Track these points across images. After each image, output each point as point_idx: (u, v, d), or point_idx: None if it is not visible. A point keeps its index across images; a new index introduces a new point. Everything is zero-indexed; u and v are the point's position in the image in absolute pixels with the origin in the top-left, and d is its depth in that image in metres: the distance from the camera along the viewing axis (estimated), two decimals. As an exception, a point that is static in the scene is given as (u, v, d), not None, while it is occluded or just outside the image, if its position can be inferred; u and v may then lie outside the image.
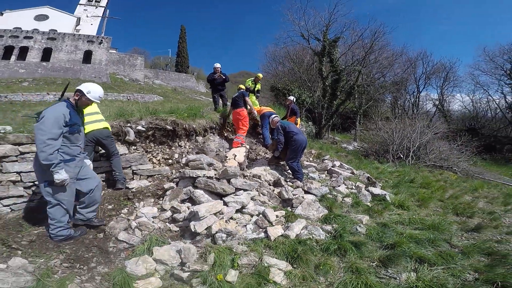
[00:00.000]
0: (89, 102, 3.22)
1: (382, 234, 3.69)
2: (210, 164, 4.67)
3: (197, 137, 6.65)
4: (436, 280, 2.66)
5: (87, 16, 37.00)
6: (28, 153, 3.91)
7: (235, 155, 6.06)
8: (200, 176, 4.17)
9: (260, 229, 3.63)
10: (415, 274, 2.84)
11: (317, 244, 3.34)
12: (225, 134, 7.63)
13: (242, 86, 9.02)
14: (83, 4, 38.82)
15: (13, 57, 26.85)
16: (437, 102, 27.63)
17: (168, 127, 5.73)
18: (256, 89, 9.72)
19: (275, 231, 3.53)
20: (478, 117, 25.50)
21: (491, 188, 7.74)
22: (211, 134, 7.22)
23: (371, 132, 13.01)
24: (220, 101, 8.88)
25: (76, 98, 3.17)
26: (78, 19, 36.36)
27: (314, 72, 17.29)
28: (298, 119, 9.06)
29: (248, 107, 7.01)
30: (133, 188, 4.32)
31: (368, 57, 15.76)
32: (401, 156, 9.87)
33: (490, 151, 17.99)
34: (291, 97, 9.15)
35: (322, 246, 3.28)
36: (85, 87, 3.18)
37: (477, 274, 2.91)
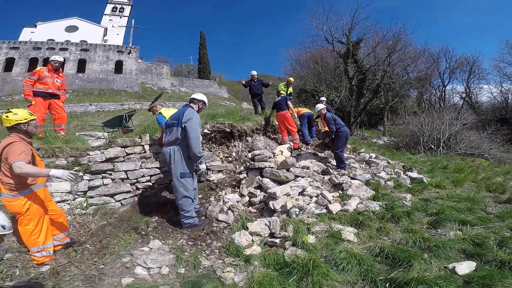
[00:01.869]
0: (203, 110, 4.23)
1: (426, 206, 4.44)
2: (270, 158, 5.57)
3: (247, 138, 7.58)
4: (479, 236, 3.36)
5: (113, 26, 38.99)
6: (131, 154, 4.94)
7: (282, 151, 6.97)
8: (266, 167, 5.09)
9: (322, 206, 4.47)
10: (460, 232, 3.58)
11: (373, 214, 4.13)
12: (267, 134, 8.55)
13: (283, 92, 9.89)
14: (108, 15, 40.75)
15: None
16: (463, 95, 27.48)
17: (227, 129, 6.70)
18: (288, 92, 10.57)
19: (335, 207, 4.36)
20: (508, 107, 24.98)
21: None
22: (257, 134, 8.14)
23: (400, 127, 13.48)
24: (259, 106, 9.78)
25: (200, 106, 4.15)
26: (105, 30, 38.26)
27: (339, 73, 18.06)
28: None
29: (290, 110, 7.85)
30: (213, 180, 5.29)
31: (391, 56, 16.30)
32: (432, 146, 10.37)
33: None
34: (323, 98, 9.93)
35: (378, 215, 4.07)
36: (204, 98, 4.22)
37: None
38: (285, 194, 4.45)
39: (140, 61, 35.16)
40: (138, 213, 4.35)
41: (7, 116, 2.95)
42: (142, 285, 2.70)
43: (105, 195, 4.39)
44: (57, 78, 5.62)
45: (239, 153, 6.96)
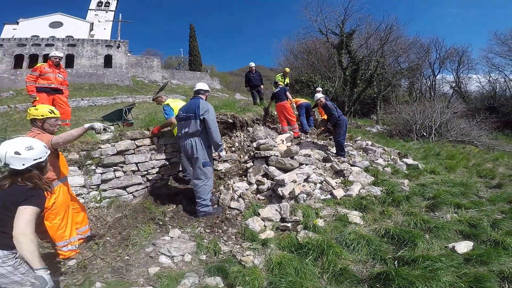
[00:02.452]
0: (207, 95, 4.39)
1: (423, 190, 4.74)
2: (274, 146, 5.75)
3: (248, 128, 7.73)
4: (474, 218, 3.67)
5: (99, 21, 38.11)
6: (141, 146, 5.02)
7: (283, 140, 7.18)
8: (272, 156, 5.28)
9: (326, 192, 4.69)
10: (456, 214, 3.88)
11: (375, 198, 4.39)
12: (266, 124, 8.71)
13: (281, 83, 10.02)
14: (93, 9, 39.77)
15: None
16: (453, 84, 28.24)
17: (230, 120, 6.83)
18: (285, 82, 10.71)
19: (339, 192, 4.60)
20: (496, 96, 25.90)
21: (511, 158, 8.59)
22: (257, 125, 8.29)
23: (392, 115, 13.90)
24: (258, 97, 9.91)
25: (207, 95, 4.32)
26: (91, 25, 37.42)
27: (333, 64, 18.40)
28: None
29: (289, 100, 8.01)
30: (221, 169, 5.45)
31: (384, 47, 16.66)
32: (424, 134, 10.78)
33: (508, 128, 18.53)
34: (319, 88, 10.14)
35: (379, 200, 4.34)
36: (206, 86, 4.40)
37: (504, 214, 3.92)
38: (292, 181, 4.64)
39: (130, 54, 34.57)
40: (151, 204, 4.44)
41: (29, 110, 3.00)
42: (169, 273, 2.79)
43: (118, 188, 4.46)
44: (59, 73, 5.64)
45: (241, 143, 7.13)
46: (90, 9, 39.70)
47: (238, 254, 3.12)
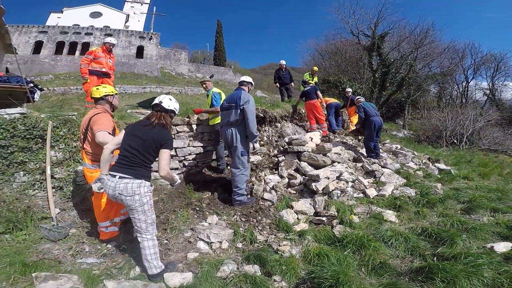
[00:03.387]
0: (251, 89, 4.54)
1: (457, 194, 4.69)
2: (306, 142, 5.85)
3: (276, 123, 7.87)
4: (504, 220, 3.64)
5: (134, 13, 39.58)
6: (181, 132, 5.26)
7: (312, 138, 7.25)
8: (305, 151, 5.39)
9: (359, 191, 4.75)
10: (493, 218, 3.84)
11: (409, 199, 4.41)
12: (293, 121, 8.81)
13: (311, 82, 10.06)
14: (130, 1, 41.31)
15: (77, 52, 29.96)
16: (487, 92, 26.75)
17: (260, 114, 7.00)
18: (314, 81, 10.73)
19: (372, 192, 4.65)
20: None
21: None
22: (285, 121, 8.41)
23: (421, 120, 13.56)
24: (286, 94, 10.02)
25: (250, 88, 4.48)
26: (127, 16, 38.94)
27: (362, 65, 18.26)
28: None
29: (319, 99, 8.06)
30: (253, 161, 5.63)
31: (417, 51, 16.32)
32: (455, 141, 10.46)
33: None
34: (349, 89, 10.09)
35: (413, 201, 4.35)
36: (252, 80, 4.54)
37: None
38: (325, 177, 4.73)
39: (160, 47, 35.53)
40: (186, 189, 4.54)
41: (97, 88, 3.18)
42: (208, 259, 2.84)
43: (156, 171, 4.71)
44: (109, 58, 5.98)
45: (270, 138, 7.28)
46: (127, 1, 41.28)
47: (274, 243, 3.21)
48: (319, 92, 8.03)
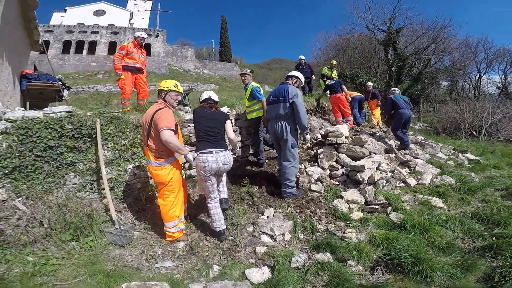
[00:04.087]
0: (300, 86, 4.59)
1: (493, 182, 4.92)
2: (342, 134, 6.05)
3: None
4: None
5: (138, 10, 39.43)
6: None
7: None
8: (344, 143, 5.61)
9: (399, 180, 4.97)
10: (534, 203, 4.06)
11: (450, 187, 4.64)
12: (318, 115, 9.01)
13: (335, 76, 10.18)
14: None
15: (84, 51, 30.11)
16: (500, 85, 26.86)
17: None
18: (332, 75, 10.89)
19: (412, 181, 4.87)
20: None
21: None
22: (310, 115, 8.60)
23: (437, 112, 13.75)
24: (307, 88, 10.19)
25: (294, 81, 4.48)
26: (131, 14, 38.85)
27: (377, 59, 18.53)
28: (379, 102, 10.14)
29: (344, 92, 8.23)
30: None
31: (435, 45, 16.58)
32: (474, 133, 10.66)
33: None
34: (370, 83, 10.28)
35: (454, 188, 4.57)
36: (298, 74, 4.57)
37: None
38: (368, 168, 4.93)
39: (166, 44, 35.58)
40: (230, 185, 4.54)
41: (165, 81, 3.25)
42: (278, 251, 2.89)
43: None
44: (141, 53, 5.75)
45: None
46: None
47: (337, 232, 3.32)
48: (343, 86, 8.21)
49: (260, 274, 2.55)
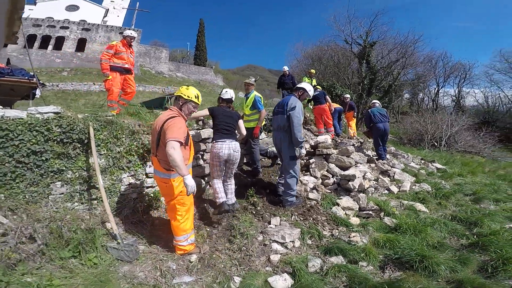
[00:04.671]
0: (307, 98, 4.74)
1: (461, 188, 5.64)
2: (331, 145, 6.47)
3: (288, 127, 8.41)
4: (507, 207, 4.62)
5: (114, 8, 37.70)
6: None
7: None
8: (333, 153, 6.02)
9: (383, 188, 5.48)
10: (497, 206, 4.76)
11: (428, 193, 5.22)
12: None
13: (319, 87, 10.64)
14: None
15: (49, 47, 27.98)
16: (455, 98, 29.90)
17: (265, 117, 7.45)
18: (313, 84, 11.39)
19: (394, 188, 5.39)
20: (491, 112, 27.77)
21: None
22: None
23: (400, 124, 15.04)
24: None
25: (300, 93, 4.46)
26: (107, 11, 36.97)
27: (351, 71, 19.81)
28: (355, 114, 10.83)
29: (328, 103, 8.70)
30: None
31: (404, 59, 18.12)
32: (435, 144, 11.87)
33: (504, 142, 20.21)
34: (347, 95, 10.99)
35: (431, 194, 5.16)
36: (306, 85, 4.55)
37: None
38: (358, 177, 5.32)
39: (140, 44, 34.40)
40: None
41: (180, 88, 3.12)
42: (293, 258, 3.01)
43: (197, 176, 4.51)
44: (130, 53, 5.51)
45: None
46: None
47: (343, 236, 3.56)
48: (327, 97, 8.68)
49: (282, 281, 2.64)
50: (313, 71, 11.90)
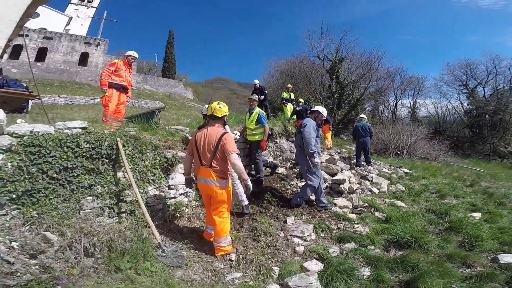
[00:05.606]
0: (322, 119, 5.25)
1: (427, 188, 6.74)
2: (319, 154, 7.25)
3: (275, 140, 9.10)
4: (471, 202, 5.74)
5: (78, 16, 35.90)
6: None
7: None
8: (323, 162, 6.80)
9: (366, 189, 6.36)
10: (458, 200, 5.85)
11: (403, 193, 6.18)
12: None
13: (301, 100, 11.41)
14: (75, 4, 36.99)
15: (5, 56, 25.91)
16: (410, 109, 32.94)
17: (269, 131, 8.15)
18: (291, 98, 12.20)
19: (375, 190, 6.31)
20: (441, 122, 31.30)
21: (465, 170, 11.49)
22: (280, 138, 9.68)
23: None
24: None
25: (316, 115, 5.06)
26: (70, 19, 35.03)
27: (322, 86, 21.50)
28: (331, 126, 11.88)
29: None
30: (281, 172, 6.69)
31: (370, 74, 20.14)
32: (398, 152, 13.42)
33: (454, 149, 23.04)
34: (323, 108, 12.05)
35: (405, 194, 6.14)
36: (320, 108, 5.17)
37: (486, 199, 6.04)
38: (347, 181, 6.14)
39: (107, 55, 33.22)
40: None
41: (220, 107, 3.34)
42: (316, 247, 3.56)
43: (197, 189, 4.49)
44: (129, 73, 5.76)
45: (274, 152, 8.48)
46: (72, 3, 36.66)
47: (348, 228, 4.24)
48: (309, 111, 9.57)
49: (315, 265, 3.17)
50: (290, 86, 12.58)
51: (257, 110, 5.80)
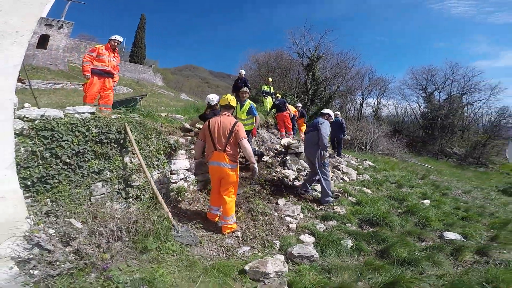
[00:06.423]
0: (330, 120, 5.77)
1: (388, 178, 7.85)
2: (300, 146, 7.98)
3: (258, 130, 9.68)
4: (422, 191, 6.91)
5: None
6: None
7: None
8: (302, 152, 7.55)
9: (339, 178, 7.25)
10: (412, 190, 6.99)
11: (368, 181, 7.18)
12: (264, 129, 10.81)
13: (279, 95, 11.94)
14: None
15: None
16: (374, 109, 35.55)
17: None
18: (272, 91, 12.76)
19: (346, 178, 7.24)
20: (399, 122, 34.23)
21: (418, 166, 13.18)
22: (261, 129, 10.26)
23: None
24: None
25: (326, 117, 5.58)
26: None
27: (299, 82, 22.50)
28: (306, 120, 12.74)
29: (288, 110, 10.25)
30: (266, 161, 7.31)
31: (344, 73, 21.50)
32: (362, 147, 14.82)
33: (410, 147, 25.59)
34: (299, 104, 12.86)
35: (371, 182, 7.14)
36: (329, 111, 5.82)
37: (434, 190, 7.24)
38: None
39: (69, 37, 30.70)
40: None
41: (233, 99, 3.82)
42: (305, 225, 4.20)
43: (206, 173, 4.92)
44: (114, 57, 5.60)
45: (257, 142, 9.07)
46: None
47: (328, 209, 5.00)
48: (288, 105, 10.27)
49: (308, 238, 3.87)
50: (270, 79, 13.05)
51: (249, 102, 6.17)
